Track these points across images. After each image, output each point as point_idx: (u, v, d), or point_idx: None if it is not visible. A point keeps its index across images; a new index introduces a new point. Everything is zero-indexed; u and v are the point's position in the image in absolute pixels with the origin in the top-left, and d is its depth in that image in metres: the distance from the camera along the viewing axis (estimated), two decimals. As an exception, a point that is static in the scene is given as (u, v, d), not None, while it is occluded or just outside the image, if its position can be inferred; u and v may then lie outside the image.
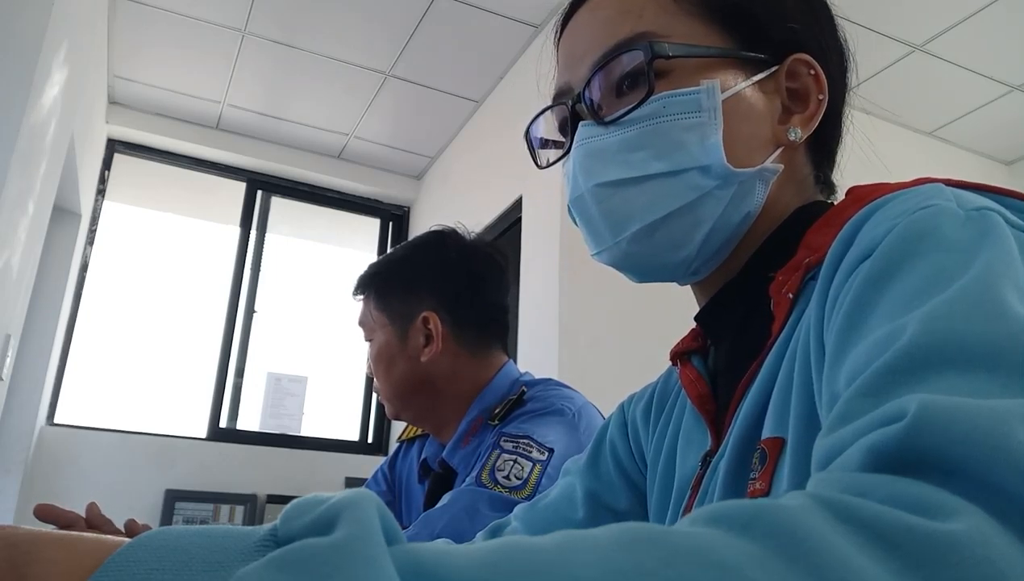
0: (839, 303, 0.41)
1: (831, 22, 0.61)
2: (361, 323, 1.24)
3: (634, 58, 0.55)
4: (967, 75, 3.03)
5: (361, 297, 1.24)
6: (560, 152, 0.64)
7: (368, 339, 1.22)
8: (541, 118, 0.66)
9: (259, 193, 3.85)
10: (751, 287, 0.56)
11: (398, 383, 1.18)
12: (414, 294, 1.19)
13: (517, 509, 0.75)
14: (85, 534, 0.28)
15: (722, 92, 0.54)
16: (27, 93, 1.89)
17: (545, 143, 0.67)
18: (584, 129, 0.58)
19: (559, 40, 0.64)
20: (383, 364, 1.19)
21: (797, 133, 0.56)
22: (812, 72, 0.57)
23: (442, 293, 1.19)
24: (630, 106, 0.55)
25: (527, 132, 0.67)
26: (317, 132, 3.68)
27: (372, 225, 4.14)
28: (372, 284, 1.23)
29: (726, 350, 0.59)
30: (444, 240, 1.25)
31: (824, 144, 0.61)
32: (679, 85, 0.55)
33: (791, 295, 0.50)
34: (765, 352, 0.51)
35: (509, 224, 2.96)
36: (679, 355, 0.63)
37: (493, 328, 1.24)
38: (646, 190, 0.55)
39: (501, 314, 1.25)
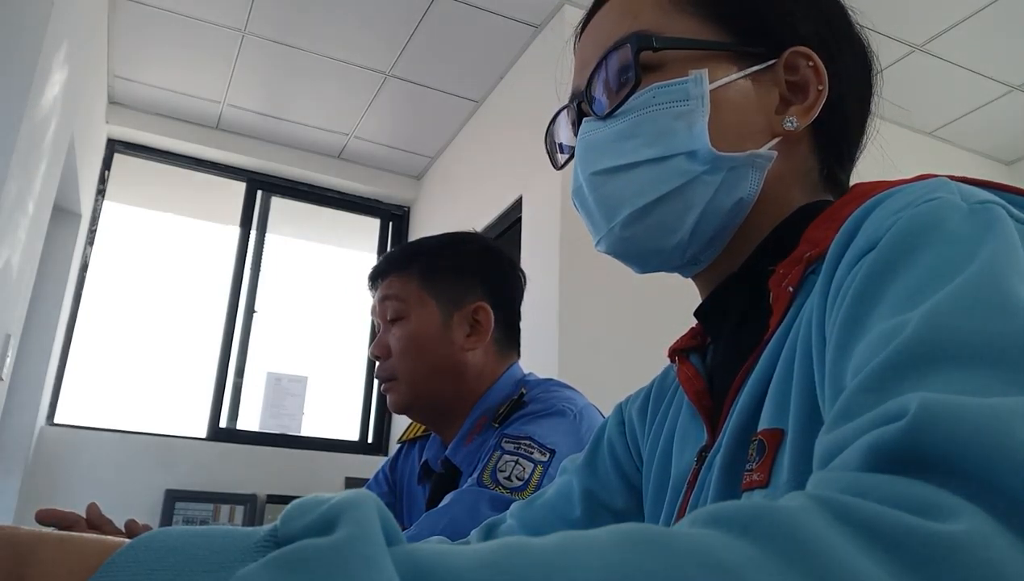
0: (842, 296, 0.41)
1: (843, 20, 0.62)
2: (395, 297, 1.16)
3: (625, 54, 0.58)
4: (967, 75, 3.03)
5: (398, 273, 1.18)
6: (569, 156, 0.67)
7: (396, 317, 1.16)
8: (557, 124, 0.69)
9: (259, 193, 3.85)
10: (752, 281, 0.56)
11: (429, 367, 1.14)
12: (465, 281, 1.17)
13: (513, 507, 0.75)
14: (86, 535, 0.28)
15: (711, 82, 0.56)
16: (27, 93, 1.89)
17: (561, 148, 0.70)
18: (586, 124, 0.61)
19: (575, 50, 0.67)
20: (417, 345, 1.14)
21: (793, 122, 0.57)
22: (811, 64, 0.58)
23: (490, 287, 1.19)
24: (622, 97, 0.58)
25: (546, 136, 0.70)
26: (317, 132, 3.68)
27: (372, 225, 4.14)
28: (416, 261, 1.18)
29: (724, 345, 0.59)
30: (481, 239, 1.25)
31: (832, 141, 0.61)
32: (669, 77, 0.57)
33: (791, 288, 0.50)
34: (763, 345, 0.51)
35: (509, 224, 2.96)
36: (677, 352, 0.64)
37: (518, 334, 1.25)
38: (636, 176, 0.57)
39: (520, 319, 1.27)
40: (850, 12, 0.63)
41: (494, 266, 1.22)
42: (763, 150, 0.56)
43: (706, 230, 0.57)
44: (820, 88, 0.57)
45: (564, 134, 0.69)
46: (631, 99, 0.57)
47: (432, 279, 1.17)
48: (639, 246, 0.59)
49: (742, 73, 0.57)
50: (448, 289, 1.17)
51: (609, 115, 0.58)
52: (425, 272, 1.17)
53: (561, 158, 0.70)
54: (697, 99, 0.55)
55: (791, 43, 0.58)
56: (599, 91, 0.60)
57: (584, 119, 0.61)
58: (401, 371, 1.15)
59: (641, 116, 0.57)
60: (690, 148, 0.55)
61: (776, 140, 0.57)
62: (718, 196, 0.56)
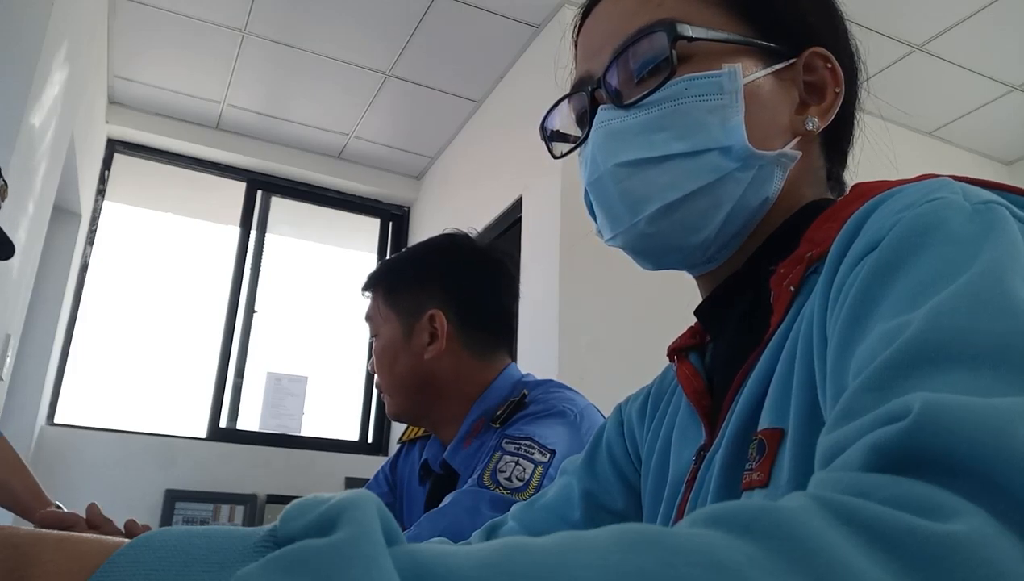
0: (844, 295, 0.41)
1: (843, 24, 0.62)
2: (369, 318, 1.24)
3: (655, 42, 0.56)
4: (967, 75, 3.03)
5: (370, 293, 1.25)
6: (574, 144, 0.64)
7: (374, 335, 1.23)
8: (556, 112, 0.66)
9: (259, 193, 3.85)
10: (753, 280, 0.56)
11: (400, 379, 1.18)
12: (423, 291, 1.20)
13: (514, 508, 0.75)
14: (86, 535, 0.28)
15: (743, 77, 0.55)
16: (27, 93, 1.89)
17: (560, 136, 0.67)
18: (604, 112, 0.58)
19: (578, 35, 0.65)
20: (387, 359, 1.19)
21: (814, 123, 0.57)
22: (828, 66, 0.58)
23: (451, 293, 1.20)
24: (653, 87, 0.55)
25: (542, 124, 0.67)
26: (317, 132, 3.68)
27: (372, 225, 4.14)
28: (383, 279, 1.24)
29: (724, 344, 0.59)
30: (456, 242, 1.26)
31: (837, 142, 0.61)
32: (700, 69, 0.55)
33: (792, 288, 0.50)
34: (763, 345, 0.51)
35: (509, 224, 2.96)
36: (676, 351, 0.63)
37: (502, 333, 1.24)
38: (666, 170, 0.55)
39: (509, 319, 1.26)
40: (846, 18, 0.63)
41: (456, 270, 1.22)
42: (788, 149, 0.56)
43: (731, 228, 0.56)
44: (837, 90, 0.57)
45: (565, 122, 0.66)
46: (662, 89, 0.55)
47: (393, 294, 1.22)
48: (662, 242, 0.57)
49: (768, 70, 0.56)
50: (407, 301, 1.20)
51: (634, 104, 0.56)
52: (388, 289, 1.22)
53: (561, 147, 0.67)
54: (731, 93, 0.54)
55: (809, 43, 0.58)
56: (620, 79, 0.58)
57: (601, 107, 0.59)
58: (382, 385, 1.22)
59: (671, 107, 0.55)
60: (724, 144, 0.54)
61: (796, 140, 0.57)
62: (747, 194, 0.55)
